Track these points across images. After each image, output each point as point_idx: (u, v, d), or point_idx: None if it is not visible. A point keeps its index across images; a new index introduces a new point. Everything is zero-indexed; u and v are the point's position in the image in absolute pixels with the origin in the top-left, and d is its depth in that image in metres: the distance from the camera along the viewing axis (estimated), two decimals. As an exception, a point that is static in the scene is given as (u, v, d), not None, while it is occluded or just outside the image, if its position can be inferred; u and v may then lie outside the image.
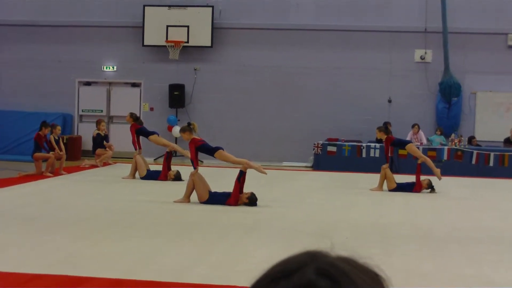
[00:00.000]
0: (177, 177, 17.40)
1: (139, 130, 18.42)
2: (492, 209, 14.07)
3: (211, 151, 13.69)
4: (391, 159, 17.83)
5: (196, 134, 14.19)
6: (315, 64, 23.92)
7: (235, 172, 13.69)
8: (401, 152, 20.67)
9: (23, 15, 25.01)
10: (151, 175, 17.72)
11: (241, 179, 13.35)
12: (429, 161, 16.89)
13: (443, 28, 22.86)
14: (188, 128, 13.92)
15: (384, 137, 17.03)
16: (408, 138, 22.46)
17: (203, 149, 13.78)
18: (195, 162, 13.72)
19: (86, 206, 12.84)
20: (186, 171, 15.98)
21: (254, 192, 13.39)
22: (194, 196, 13.64)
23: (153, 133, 18.50)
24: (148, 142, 18.98)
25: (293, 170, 21.86)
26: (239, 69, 24.30)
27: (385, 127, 18.19)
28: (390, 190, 16.52)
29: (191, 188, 13.65)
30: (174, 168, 17.87)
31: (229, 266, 8.22)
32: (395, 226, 11.51)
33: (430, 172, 16.74)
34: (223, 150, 13.70)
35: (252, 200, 13.30)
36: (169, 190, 15.04)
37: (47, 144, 18.53)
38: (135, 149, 18.25)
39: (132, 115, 18.74)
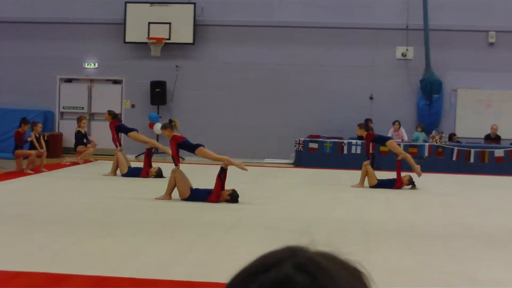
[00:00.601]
0: (159, 174, 17.38)
1: (118, 127, 18.41)
2: (473, 206, 14.14)
3: (191, 147, 13.71)
4: (372, 155, 17.87)
5: (178, 131, 14.19)
6: (298, 62, 23.93)
7: (216, 169, 13.69)
8: (382, 148, 20.72)
9: (4, 12, 24.85)
10: (132, 172, 17.69)
11: (222, 175, 13.36)
12: (409, 158, 16.97)
13: (424, 25, 22.93)
14: (169, 125, 13.95)
15: (364, 134, 17.10)
16: (389, 135, 22.55)
17: (184, 146, 13.80)
18: (176, 159, 13.73)
19: (68, 203, 12.79)
20: (167, 168, 15.95)
21: (236, 189, 13.39)
22: (175, 193, 13.63)
23: (132, 129, 18.48)
24: (129, 139, 18.94)
25: (275, 167, 21.87)
26: (221, 66, 24.27)
27: (366, 124, 18.27)
28: (371, 187, 16.59)
29: (172, 185, 13.64)
30: (155, 165, 17.84)
31: (211, 263, 8.22)
32: (377, 223, 11.54)
33: (411, 169, 16.81)
34: (204, 147, 13.73)
35: (233, 197, 13.31)
36: (150, 187, 15.02)
37: (30, 143, 18.47)
38: (116, 147, 18.24)
39: (110, 112, 18.72)
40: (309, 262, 1.14)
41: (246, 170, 13.53)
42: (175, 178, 13.59)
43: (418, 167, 16.78)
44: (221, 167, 13.41)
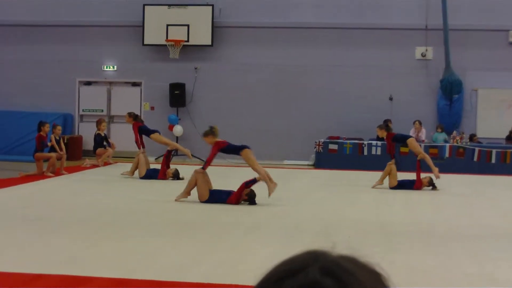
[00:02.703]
0: (176, 175, 17.41)
1: (140, 129, 18.37)
2: (494, 207, 14.06)
3: (237, 150, 13.60)
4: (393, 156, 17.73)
5: (218, 137, 13.98)
6: (316, 63, 23.90)
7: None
8: (402, 149, 20.62)
9: (23, 16, 24.99)
10: (150, 175, 17.70)
11: (249, 184, 13.31)
12: (428, 159, 16.84)
13: (443, 25, 22.81)
14: (210, 132, 13.76)
15: (385, 134, 17.01)
16: (410, 135, 22.48)
17: (228, 150, 13.76)
18: (208, 164, 13.63)
19: (87, 206, 12.83)
20: (187, 170, 15.95)
21: (255, 190, 13.35)
22: (194, 195, 13.61)
23: (154, 131, 18.45)
24: (150, 141, 18.92)
25: (294, 168, 21.83)
26: (239, 67, 24.28)
27: (386, 125, 18.16)
28: (391, 188, 16.50)
29: (192, 185, 13.60)
30: (174, 166, 17.85)
31: (231, 265, 8.20)
32: (397, 223, 11.49)
33: (430, 170, 16.70)
34: (250, 149, 13.64)
35: (251, 197, 13.27)
36: (169, 189, 15.00)
37: (51, 146, 18.57)
38: (139, 148, 18.21)
39: (130, 114, 18.70)
40: (335, 266, 1.15)
41: (272, 192, 13.39)
42: (196, 179, 13.55)
43: (436, 169, 16.62)
44: (255, 178, 13.34)
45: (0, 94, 25.14)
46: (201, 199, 13.50)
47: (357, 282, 1.13)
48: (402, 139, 17.50)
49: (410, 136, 18.19)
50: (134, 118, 18.54)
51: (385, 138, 17.19)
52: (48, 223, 10.78)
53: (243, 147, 13.56)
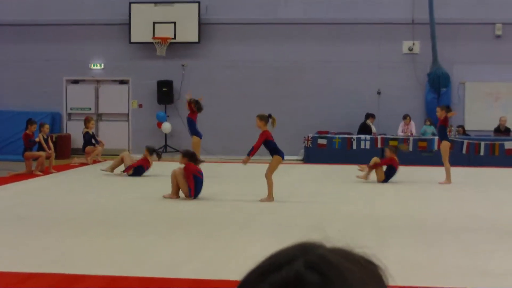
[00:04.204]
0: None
1: None
2: (484, 199, 14.13)
3: (273, 150, 13.48)
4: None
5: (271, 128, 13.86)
6: (305, 58, 23.91)
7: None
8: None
9: (9, 15, 24.88)
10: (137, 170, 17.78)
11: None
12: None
13: (430, 19, 22.86)
14: (265, 118, 13.56)
15: (444, 115, 16.74)
16: (399, 129, 22.56)
17: (269, 145, 13.48)
18: (254, 151, 13.44)
19: (77, 204, 12.82)
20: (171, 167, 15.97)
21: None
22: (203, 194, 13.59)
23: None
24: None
25: (284, 163, 21.77)
26: (227, 64, 24.27)
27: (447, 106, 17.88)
28: (379, 182, 16.58)
29: (176, 185, 13.54)
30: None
31: (222, 261, 8.22)
32: (388, 217, 11.52)
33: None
34: (283, 158, 13.54)
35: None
36: (159, 187, 14.98)
37: (39, 145, 18.53)
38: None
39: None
40: (320, 260, 1.12)
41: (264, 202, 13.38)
42: (177, 179, 13.50)
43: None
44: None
45: (-13, 94, 25.05)
46: (187, 196, 13.48)
47: (342, 277, 1.10)
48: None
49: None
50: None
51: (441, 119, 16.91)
52: (38, 222, 10.77)
53: (278, 152, 13.46)
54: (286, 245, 1.19)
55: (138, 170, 17.72)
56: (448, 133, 17.32)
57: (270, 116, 13.63)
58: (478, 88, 23.52)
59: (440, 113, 16.68)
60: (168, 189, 13.84)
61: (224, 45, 24.30)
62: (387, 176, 16.77)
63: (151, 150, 17.90)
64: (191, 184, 13.44)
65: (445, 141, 16.62)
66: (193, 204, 12.92)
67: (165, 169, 17.40)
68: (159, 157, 18.10)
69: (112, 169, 18.05)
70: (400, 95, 23.61)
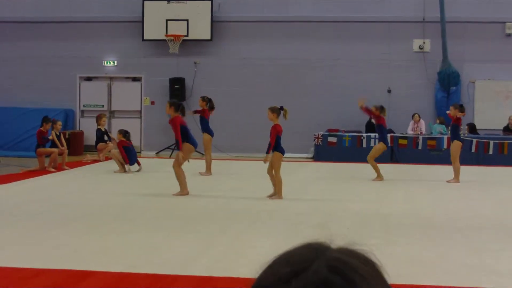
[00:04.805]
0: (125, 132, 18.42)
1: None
2: (493, 198, 14.12)
3: (275, 147, 13.47)
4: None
5: (283, 120, 13.84)
6: (315, 56, 23.97)
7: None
8: (401, 142, 20.77)
9: (23, 12, 25.05)
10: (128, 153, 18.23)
11: None
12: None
13: (441, 17, 22.88)
14: (277, 110, 13.50)
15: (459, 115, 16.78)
16: (409, 128, 22.58)
17: (277, 139, 13.47)
18: (271, 148, 13.43)
19: (89, 200, 12.92)
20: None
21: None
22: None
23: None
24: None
25: (293, 161, 21.90)
26: (238, 62, 24.35)
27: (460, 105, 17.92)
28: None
29: (183, 180, 13.73)
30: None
31: (232, 258, 8.28)
32: (397, 215, 11.57)
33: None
34: (283, 155, 13.57)
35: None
36: (170, 184, 15.09)
37: (52, 141, 18.69)
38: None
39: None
40: (339, 262, 1.16)
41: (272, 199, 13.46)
42: (179, 174, 13.68)
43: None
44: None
45: (1, 90, 25.22)
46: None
47: (362, 278, 1.14)
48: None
49: None
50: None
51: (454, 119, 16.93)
52: (50, 219, 10.86)
53: (282, 149, 13.48)
54: (295, 242, 1.24)
55: (128, 152, 18.05)
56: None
57: (282, 108, 13.58)
58: (488, 87, 23.53)
59: (453, 112, 16.69)
60: (177, 187, 13.92)
61: (236, 43, 24.38)
62: (383, 139, 16.85)
63: (123, 132, 18.31)
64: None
65: (457, 141, 16.64)
66: (203, 201, 13.00)
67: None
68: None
69: (122, 169, 18.16)
70: (410, 93, 23.65)
